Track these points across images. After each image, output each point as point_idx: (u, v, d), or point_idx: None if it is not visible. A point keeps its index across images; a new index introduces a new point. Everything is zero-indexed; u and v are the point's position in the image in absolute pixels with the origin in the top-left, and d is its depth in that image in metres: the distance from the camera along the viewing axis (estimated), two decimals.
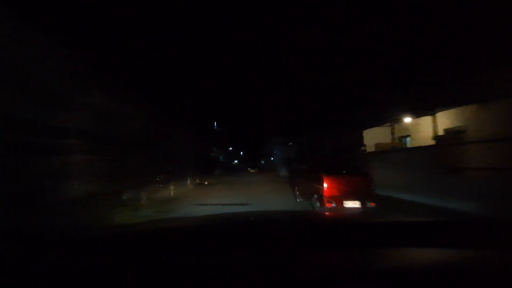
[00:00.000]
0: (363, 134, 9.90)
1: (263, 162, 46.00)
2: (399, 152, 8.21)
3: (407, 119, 8.30)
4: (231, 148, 48.77)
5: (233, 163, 51.49)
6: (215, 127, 30.55)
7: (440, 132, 7.47)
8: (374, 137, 9.83)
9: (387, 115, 8.40)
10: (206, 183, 16.42)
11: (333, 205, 5.66)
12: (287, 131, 23.44)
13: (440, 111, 7.32)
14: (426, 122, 7.96)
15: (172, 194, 9.93)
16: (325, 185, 5.97)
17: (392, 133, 9.08)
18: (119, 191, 6.64)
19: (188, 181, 13.52)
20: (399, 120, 8.67)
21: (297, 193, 8.34)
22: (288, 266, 0.74)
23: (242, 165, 50.98)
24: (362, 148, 9.39)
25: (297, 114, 19.13)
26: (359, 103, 9.77)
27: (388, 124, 9.60)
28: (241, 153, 57.10)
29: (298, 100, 16.76)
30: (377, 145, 9.44)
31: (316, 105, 13.12)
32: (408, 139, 9.25)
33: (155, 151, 9.46)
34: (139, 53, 10.10)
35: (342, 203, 5.65)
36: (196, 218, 1.68)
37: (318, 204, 6.04)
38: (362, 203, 5.62)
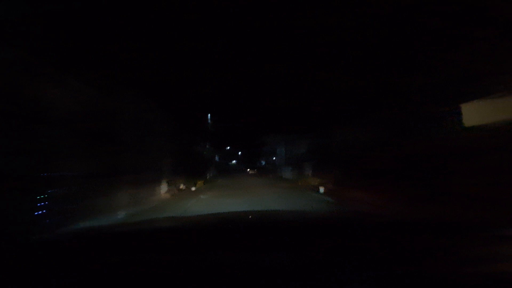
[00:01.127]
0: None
1: (263, 162, 42.12)
2: None
3: None
4: (228, 148, 46.10)
5: (230, 163, 48.79)
6: (209, 122, 26.72)
7: None
8: (470, 117, 5.88)
9: None
10: (193, 189, 12.30)
11: None
12: (295, 126, 19.78)
13: None
14: None
15: (123, 215, 5.71)
16: None
17: None
18: None
19: (164, 188, 9.26)
20: None
21: None
22: (290, 267, 0.67)
23: (240, 166, 48.86)
24: (460, 127, 5.44)
25: (314, 102, 15.23)
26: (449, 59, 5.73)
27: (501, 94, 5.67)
28: (239, 152, 53.18)
29: (319, 80, 12.85)
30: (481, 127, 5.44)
31: (356, 79, 8.98)
32: None
33: (93, 141, 5.28)
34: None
35: None
36: (194, 217, 1.53)
37: None
38: None
